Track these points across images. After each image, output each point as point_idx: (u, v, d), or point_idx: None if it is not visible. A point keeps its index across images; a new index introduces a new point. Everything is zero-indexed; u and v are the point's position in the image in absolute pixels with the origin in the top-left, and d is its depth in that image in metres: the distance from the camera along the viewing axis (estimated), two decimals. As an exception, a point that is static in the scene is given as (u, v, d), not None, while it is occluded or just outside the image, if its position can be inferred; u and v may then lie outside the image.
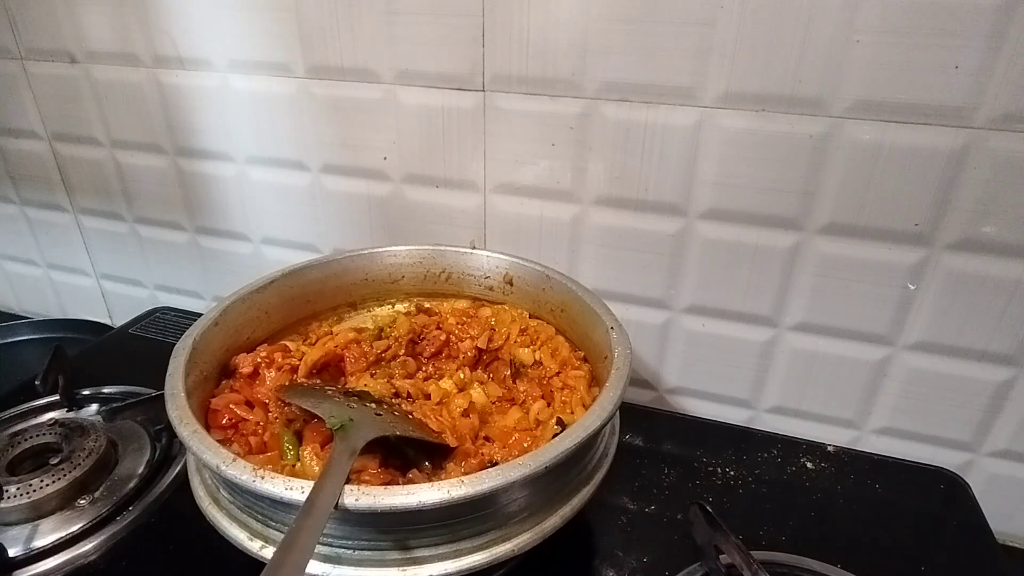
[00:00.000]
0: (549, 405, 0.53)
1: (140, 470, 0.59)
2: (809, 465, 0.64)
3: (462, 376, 0.56)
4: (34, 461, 0.59)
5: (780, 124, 0.56)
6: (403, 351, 0.58)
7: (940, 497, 0.61)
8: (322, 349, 0.56)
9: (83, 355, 0.80)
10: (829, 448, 0.66)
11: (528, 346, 0.59)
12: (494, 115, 0.64)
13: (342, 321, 0.64)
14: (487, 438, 0.49)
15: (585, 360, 0.56)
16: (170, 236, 0.87)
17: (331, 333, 0.61)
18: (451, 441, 0.47)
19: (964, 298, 0.57)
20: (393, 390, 0.54)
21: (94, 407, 0.67)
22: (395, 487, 0.37)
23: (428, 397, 0.53)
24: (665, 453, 0.66)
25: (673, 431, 0.69)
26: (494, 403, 0.54)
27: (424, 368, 0.59)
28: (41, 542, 0.52)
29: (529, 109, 0.63)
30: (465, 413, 0.51)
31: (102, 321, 0.98)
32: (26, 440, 0.59)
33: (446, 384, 0.54)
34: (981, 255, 0.55)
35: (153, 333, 0.84)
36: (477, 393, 0.53)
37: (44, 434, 0.60)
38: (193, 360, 0.49)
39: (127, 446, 0.61)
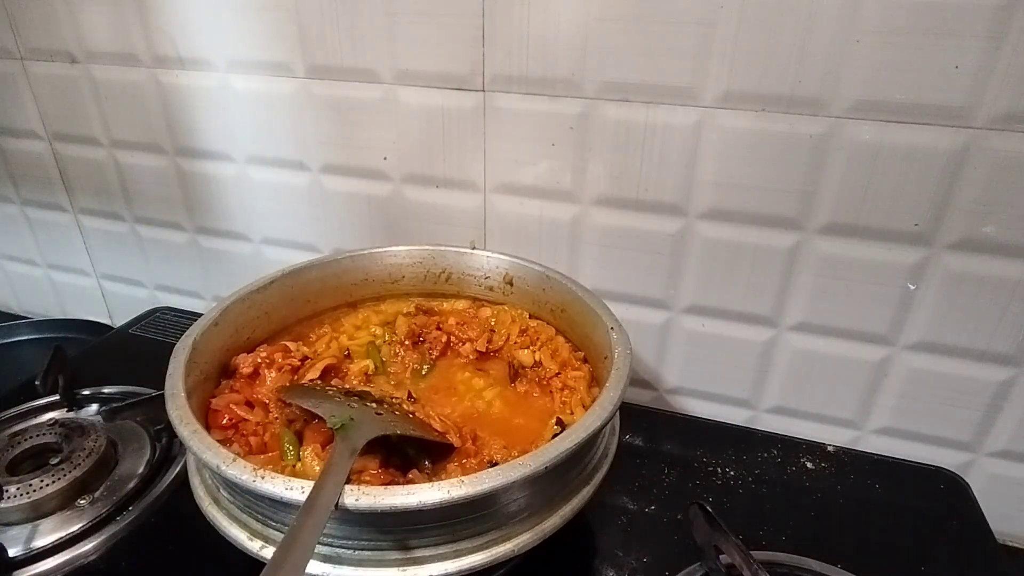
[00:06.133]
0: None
1: (140, 470, 0.59)
2: (809, 465, 0.64)
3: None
4: (34, 461, 0.59)
5: (780, 124, 0.56)
6: (403, 351, 0.58)
7: (940, 497, 0.61)
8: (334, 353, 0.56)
9: (83, 355, 0.80)
10: (829, 448, 0.66)
11: (528, 347, 0.59)
12: (494, 115, 0.64)
13: (342, 321, 0.64)
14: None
15: (585, 361, 0.56)
16: (170, 236, 0.87)
17: (332, 334, 0.61)
18: (455, 441, 0.47)
19: (964, 298, 0.57)
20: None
21: (94, 407, 0.67)
22: (395, 487, 0.37)
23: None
24: (665, 453, 0.66)
25: (673, 431, 0.69)
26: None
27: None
28: (41, 542, 0.52)
29: (529, 109, 0.63)
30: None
31: (102, 321, 0.98)
32: (26, 440, 0.59)
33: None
34: (981, 255, 0.55)
35: (153, 333, 0.84)
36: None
37: (44, 434, 0.60)
38: (193, 360, 0.49)
39: (127, 446, 0.61)
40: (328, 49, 0.66)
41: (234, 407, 0.49)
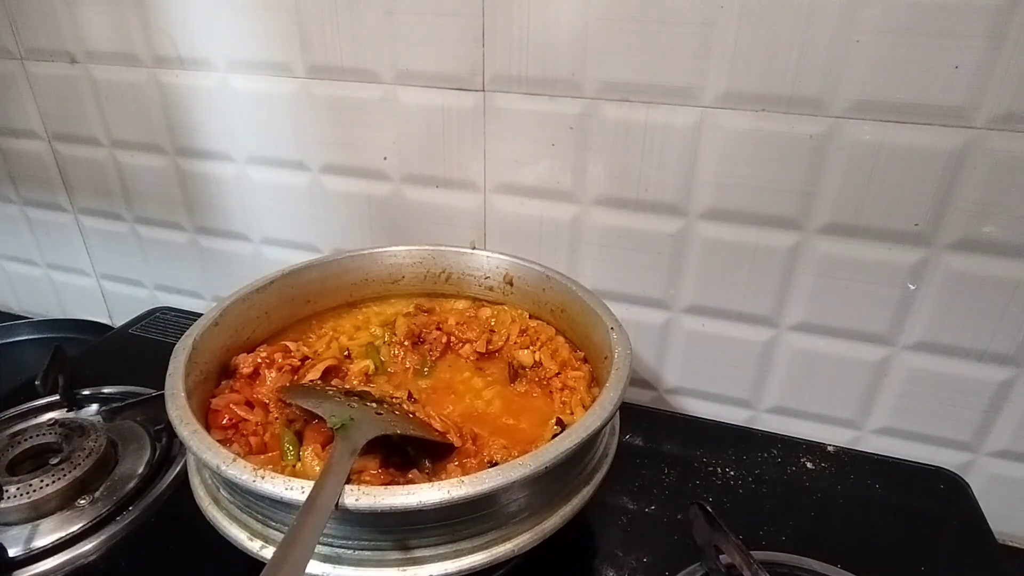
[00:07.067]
0: (549, 405, 0.53)
1: (140, 470, 0.59)
2: (809, 465, 0.64)
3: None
4: (34, 461, 0.59)
5: (780, 124, 0.56)
6: (402, 352, 0.58)
7: (940, 497, 0.61)
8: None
9: (83, 355, 0.80)
10: (829, 448, 0.66)
11: (528, 347, 0.59)
12: (494, 115, 0.64)
13: (342, 321, 0.64)
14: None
15: (585, 361, 0.57)
16: (170, 236, 0.87)
17: (332, 334, 0.61)
18: (455, 441, 0.47)
19: (964, 298, 0.57)
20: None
21: (94, 407, 0.67)
22: (395, 487, 0.37)
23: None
24: (665, 453, 0.66)
25: (673, 431, 0.69)
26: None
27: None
28: (41, 542, 0.52)
29: (529, 109, 0.63)
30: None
31: (102, 321, 0.98)
32: (26, 440, 0.59)
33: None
34: (981, 255, 0.55)
35: (153, 333, 0.84)
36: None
37: (44, 434, 0.60)
38: (193, 360, 0.49)
39: (127, 446, 0.61)
40: (328, 49, 0.66)
41: (234, 407, 0.49)
